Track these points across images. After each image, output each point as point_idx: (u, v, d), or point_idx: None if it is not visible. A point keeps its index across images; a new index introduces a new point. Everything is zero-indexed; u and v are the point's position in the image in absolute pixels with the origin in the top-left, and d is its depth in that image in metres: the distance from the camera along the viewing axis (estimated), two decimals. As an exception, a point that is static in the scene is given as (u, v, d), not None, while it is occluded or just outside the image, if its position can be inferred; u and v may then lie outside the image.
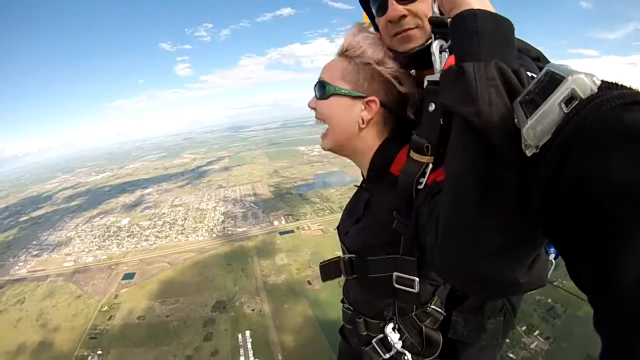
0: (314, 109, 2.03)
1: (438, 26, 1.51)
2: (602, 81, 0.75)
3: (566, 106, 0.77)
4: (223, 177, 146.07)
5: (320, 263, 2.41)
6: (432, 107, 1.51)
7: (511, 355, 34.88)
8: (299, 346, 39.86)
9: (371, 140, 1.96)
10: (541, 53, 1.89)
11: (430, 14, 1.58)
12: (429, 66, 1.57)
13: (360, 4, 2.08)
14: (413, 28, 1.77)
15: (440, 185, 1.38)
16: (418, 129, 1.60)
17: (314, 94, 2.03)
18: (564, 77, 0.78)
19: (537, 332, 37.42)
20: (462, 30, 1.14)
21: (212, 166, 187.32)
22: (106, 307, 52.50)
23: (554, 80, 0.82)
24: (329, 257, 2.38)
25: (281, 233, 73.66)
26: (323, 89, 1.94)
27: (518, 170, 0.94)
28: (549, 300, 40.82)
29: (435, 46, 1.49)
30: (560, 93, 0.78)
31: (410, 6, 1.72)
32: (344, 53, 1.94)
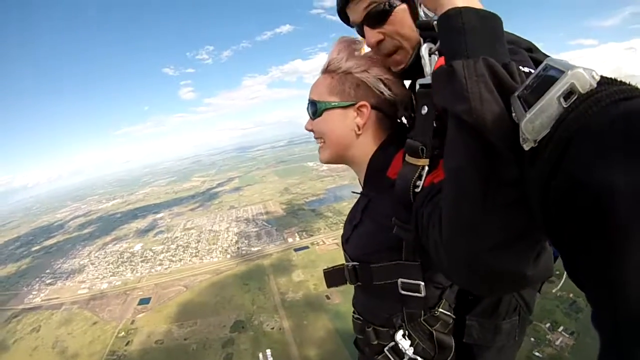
0: (312, 130, 2.01)
1: (425, 29, 1.50)
2: (601, 76, 0.75)
3: (565, 101, 0.77)
4: (234, 198, 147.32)
5: (324, 270, 2.29)
6: (424, 110, 1.49)
7: (537, 353, 34.87)
8: (321, 361, 39.17)
9: (368, 146, 1.93)
10: (532, 44, 1.82)
11: (404, 32, 1.69)
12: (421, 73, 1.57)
13: (350, 27, 1.96)
14: (393, 52, 1.79)
15: (438, 186, 1.39)
16: (412, 133, 1.57)
17: (308, 116, 2.05)
18: (563, 72, 0.78)
19: (561, 328, 37.38)
20: (448, 29, 1.13)
21: (222, 187, 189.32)
22: (123, 333, 52.28)
23: (552, 74, 0.82)
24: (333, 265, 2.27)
25: (296, 250, 73.69)
26: (314, 108, 1.94)
27: (516, 164, 0.95)
28: (571, 295, 40.81)
29: (424, 49, 1.48)
30: (559, 87, 0.77)
31: (382, 29, 1.73)
32: (326, 70, 1.94)
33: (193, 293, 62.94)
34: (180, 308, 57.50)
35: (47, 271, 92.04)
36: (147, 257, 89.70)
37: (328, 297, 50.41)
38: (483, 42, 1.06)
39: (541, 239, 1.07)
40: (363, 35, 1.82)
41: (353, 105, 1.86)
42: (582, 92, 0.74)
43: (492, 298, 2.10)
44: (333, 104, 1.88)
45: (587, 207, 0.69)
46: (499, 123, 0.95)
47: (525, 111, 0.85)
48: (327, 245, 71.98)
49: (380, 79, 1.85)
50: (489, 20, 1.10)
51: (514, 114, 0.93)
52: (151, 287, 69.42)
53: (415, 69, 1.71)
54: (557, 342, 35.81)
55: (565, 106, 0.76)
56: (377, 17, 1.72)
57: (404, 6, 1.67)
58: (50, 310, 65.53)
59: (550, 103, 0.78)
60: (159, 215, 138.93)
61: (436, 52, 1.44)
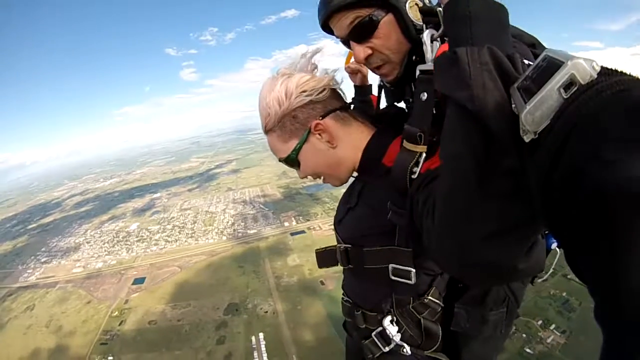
0: (306, 177, 2.04)
1: (428, 15, 1.59)
2: (602, 67, 0.74)
3: (565, 92, 0.76)
4: (232, 180, 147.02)
5: (316, 250, 2.35)
6: (424, 96, 1.51)
7: (528, 350, 34.92)
8: (313, 347, 39.60)
9: (352, 146, 1.91)
10: (536, 39, 1.85)
11: (391, 45, 1.72)
12: (413, 80, 1.63)
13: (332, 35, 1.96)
14: (381, 65, 1.83)
15: (434, 172, 1.38)
16: (410, 119, 1.58)
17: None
18: (562, 62, 0.77)
19: (553, 326, 37.43)
20: (454, 16, 1.13)
21: (220, 169, 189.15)
22: (117, 313, 52.35)
23: (552, 65, 0.81)
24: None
25: (292, 234, 73.78)
26: (290, 162, 1.96)
27: (515, 154, 0.94)
28: (564, 294, 40.72)
29: (427, 35, 1.52)
30: (559, 78, 0.76)
31: (370, 43, 1.74)
32: (267, 131, 1.94)
33: (187, 274, 63.01)
34: (175, 289, 57.61)
35: (43, 249, 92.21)
36: (142, 236, 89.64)
37: (322, 283, 50.48)
38: (488, 32, 1.06)
39: (535, 232, 1.09)
40: (349, 47, 1.84)
41: (309, 133, 1.84)
42: (582, 82, 0.73)
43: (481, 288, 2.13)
44: (297, 147, 1.86)
45: (589, 199, 0.68)
46: (500, 112, 0.94)
47: (525, 102, 0.84)
48: (324, 231, 71.68)
49: (301, 93, 1.80)
50: (496, 10, 1.09)
51: (513, 106, 0.92)
52: (146, 267, 69.53)
53: (404, 79, 1.83)
54: (549, 340, 36.01)
55: (565, 97, 0.75)
56: (363, 32, 1.71)
57: (390, 17, 1.66)
58: (45, 288, 65.62)
59: (550, 94, 0.78)
60: (156, 195, 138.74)
61: (438, 39, 1.49)
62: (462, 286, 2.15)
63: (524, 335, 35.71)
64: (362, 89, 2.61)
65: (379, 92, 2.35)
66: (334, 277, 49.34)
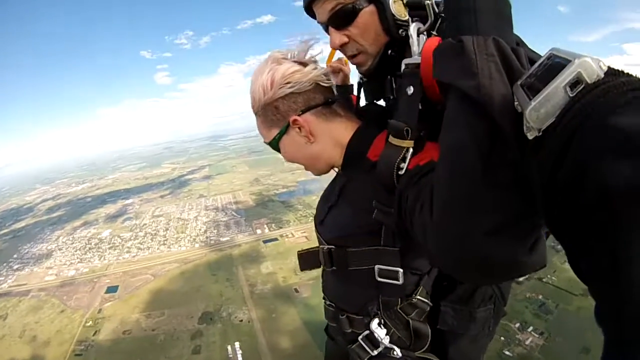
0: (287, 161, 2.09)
1: (415, 9, 1.57)
2: (609, 67, 0.73)
3: (571, 90, 0.75)
4: (204, 187, 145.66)
5: (298, 251, 2.34)
6: (410, 90, 1.46)
7: (507, 352, 35.34)
8: (290, 354, 39.89)
9: (332, 143, 1.93)
10: (520, 38, 1.81)
11: (368, 35, 1.74)
12: (388, 74, 1.78)
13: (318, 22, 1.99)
14: (356, 55, 1.85)
15: (424, 168, 1.41)
16: (396, 114, 1.55)
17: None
18: (569, 61, 0.76)
19: (530, 328, 37.89)
20: (458, 6, 1.11)
21: (192, 175, 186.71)
22: (90, 322, 51.83)
23: (558, 63, 0.80)
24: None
25: (265, 241, 73.47)
26: (273, 147, 2.00)
27: (519, 145, 0.93)
28: (540, 297, 41.35)
29: (413, 28, 1.52)
30: (566, 76, 0.75)
31: (347, 31, 1.77)
32: (255, 112, 1.97)
33: (161, 282, 62.50)
34: (148, 297, 57.22)
35: (15, 256, 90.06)
36: (115, 243, 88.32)
37: (297, 290, 50.78)
38: (493, 23, 1.06)
39: (539, 226, 1.06)
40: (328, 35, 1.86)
41: (288, 126, 1.87)
42: (589, 81, 0.72)
43: (469, 285, 2.14)
44: (277, 136, 1.92)
45: (592, 199, 0.68)
46: (505, 104, 0.95)
47: (530, 99, 0.83)
48: (296, 238, 71.83)
49: (285, 84, 1.81)
50: (500, 3, 1.11)
51: (516, 103, 0.92)
52: (119, 275, 68.60)
53: (379, 71, 1.89)
54: (527, 342, 36.62)
55: (571, 95, 0.74)
56: (343, 19, 1.74)
57: (372, 8, 1.70)
58: (18, 297, 64.59)
59: (556, 92, 0.77)
60: (128, 201, 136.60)
61: (424, 33, 1.53)
62: (447, 284, 2.14)
63: (502, 337, 36.09)
64: (343, 88, 2.52)
65: (359, 90, 2.29)
66: (308, 284, 49.76)
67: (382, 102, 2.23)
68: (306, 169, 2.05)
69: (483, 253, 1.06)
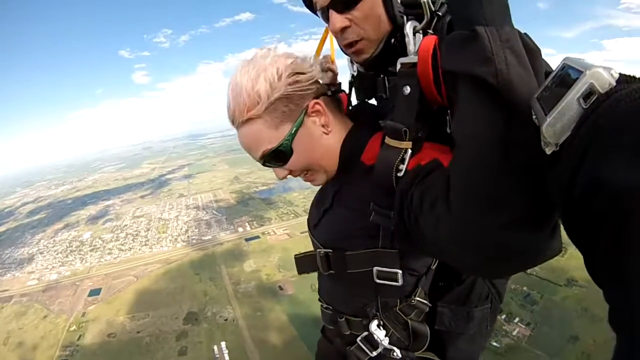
0: (291, 172, 1.85)
1: (410, 7, 1.53)
2: (620, 74, 0.72)
3: (585, 101, 0.74)
4: (184, 186, 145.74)
5: (295, 255, 2.25)
6: (407, 90, 1.43)
7: (495, 343, 35.62)
8: (278, 352, 40.14)
9: (336, 137, 1.80)
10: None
11: (372, 20, 1.64)
12: (389, 65, 1.70)
13: (314, 13, 1.89)
14: (358, 41, 1.72)
15: (428, 167, 1.40)
16: (392, 114, 1.51)
17: (272, 168, 1.84)
18: (581, 72, 0.76)
19: (517, 320, 38.49)
20: None
21: (172, 175, 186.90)
22: (74, 327, 51.59)
23: (571, 74, 0.80)
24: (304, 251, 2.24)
25: (247, 239, 73.64)
26: (282, 151, 1.70)
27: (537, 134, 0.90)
28: (525, 288, 42.07)
29: (409, 27, 1.50)
30: (579, 88, 0.75)
31: (349, 15, 1.64)
32: (245, 121, 1.67)
33: (144, 283, 62.45)
34: (132, 299, 57.10)
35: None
36: (96, 245, 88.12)
37: (281, 288, 51.13)
38: (500, 13, 1.05)
39: (557, 212, 1.04)
40: (327, 21, 1.74)
41: (305, 114, 1.69)
42: (601, 91, 0.72)
43: (465, 285, 2.15)
44: (293, 131, 1.67)
45: (607, 208, 0.68)
46: (525, 87, 0.95)
47: (546, 114, 0.83)
48: (278, 236, 72.31)
49: (293, 70, 1.66)
50: None
51: (534, 117, 0.91)
52: (101, 278, 68.45)
53: (377, 63, 1.78)
54: (514, 333, 37.29)
55: (585, 107, 0.74)
56: (347, 1, 1.63)
57: None
58: (1, 303, 64.22)
59: (570, 105, 0.77)
60: (108, 203, 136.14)
61: (420, 31, 1.48)
62: (444, 285, 2.14)
63: None
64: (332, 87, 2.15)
65: (350, 89, 2.14)
66: (291, 281, 50.27)
67: (373, 101, 2.15)
68: (311, 176, 1.87)
69: (505, 241, 1.07)
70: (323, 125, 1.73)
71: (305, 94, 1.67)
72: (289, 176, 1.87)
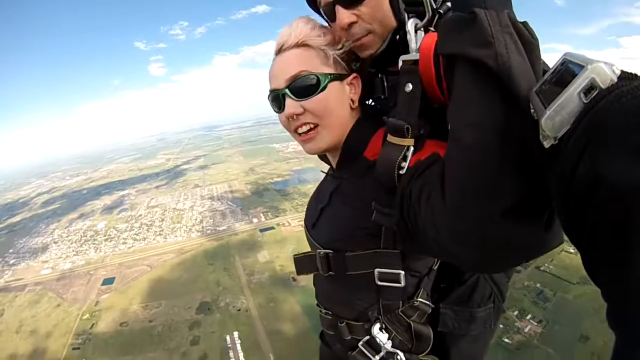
0: (301, 113, 1.71)
1: (412, 5, 1.48)
2: (622, 71, 0.72)
3: (585, 96, 0.74)
4: (199, 177, 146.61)
5: (294, 255, 2.15)
6: (409, 87, 1.40)
7: (507, 340, 35.79)
8: (289, 343, 39.87)
9: (352, 117, 1.80)
10: None
11: (378, 16, 1.61)
12: (392, 63, 1.55)
13: (316, 11, 1.88)
14: (365, 35, 1.68)
15: (426, 162, 1.35)
16: (394, 111, 1.46)
17: (289, 99, 1.71)
18: (582, 66, 0.75)
19: (529, 316, 38.26)
20: None
21: (188, 165, 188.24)
22: (87, 315, 52.01)
23: (572, 69, 0.79)
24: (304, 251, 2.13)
25: (261, 230, 73.96)
26: (313, 83, 1.67)
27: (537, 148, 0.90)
28: (538, 285, 41.65)
29: (410, 25, 1.45)
30: (580, 82, 0.75)
31: (356, 10, 1.63)
32: (301, 43, 1.70)
33: (157, 273, 62.88)
34: (145, 288, 57.45)
35: (11, 251, 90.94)
36: (110, 235, 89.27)
37: (294, 279, 50.72)
38: (501, 0, 1.03)
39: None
40: (331, 18, 1.74)
41: (347, 76, 1.74)
42: (602, 87, 0.71)
43: (467, 285, 2.10)
44: (331, 75, 1.69)
45: (607, 205, 0.67)
46: (524, 74, 0.94)
47: (545, 108, 0.82)
48: (293, 227, 72.42)
49: (346, 56, 1.74)
50: None
51: (532, 110, 0.90)
52: (115, 267, 69.26)
53: (381, 59, 1.77)
54: (526, 330, 37.05)
55: (585, 102, 0.73)
56: None
57: None
58: (14, 292, 64.77)
59: (571, 99, 0.76)
60: (123, 193, 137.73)
61: (422, 29, 1.46)
62: (446, 286, 2.11)
63: (501, 325, 35.92)
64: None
65: None
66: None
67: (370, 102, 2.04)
68: (314, 134, 1.74)
69: (501, 232, 1.04)
70: (352, 100, 1.76)
71: (350, 64, 1.77)
72: (293, 117, 1.72)
